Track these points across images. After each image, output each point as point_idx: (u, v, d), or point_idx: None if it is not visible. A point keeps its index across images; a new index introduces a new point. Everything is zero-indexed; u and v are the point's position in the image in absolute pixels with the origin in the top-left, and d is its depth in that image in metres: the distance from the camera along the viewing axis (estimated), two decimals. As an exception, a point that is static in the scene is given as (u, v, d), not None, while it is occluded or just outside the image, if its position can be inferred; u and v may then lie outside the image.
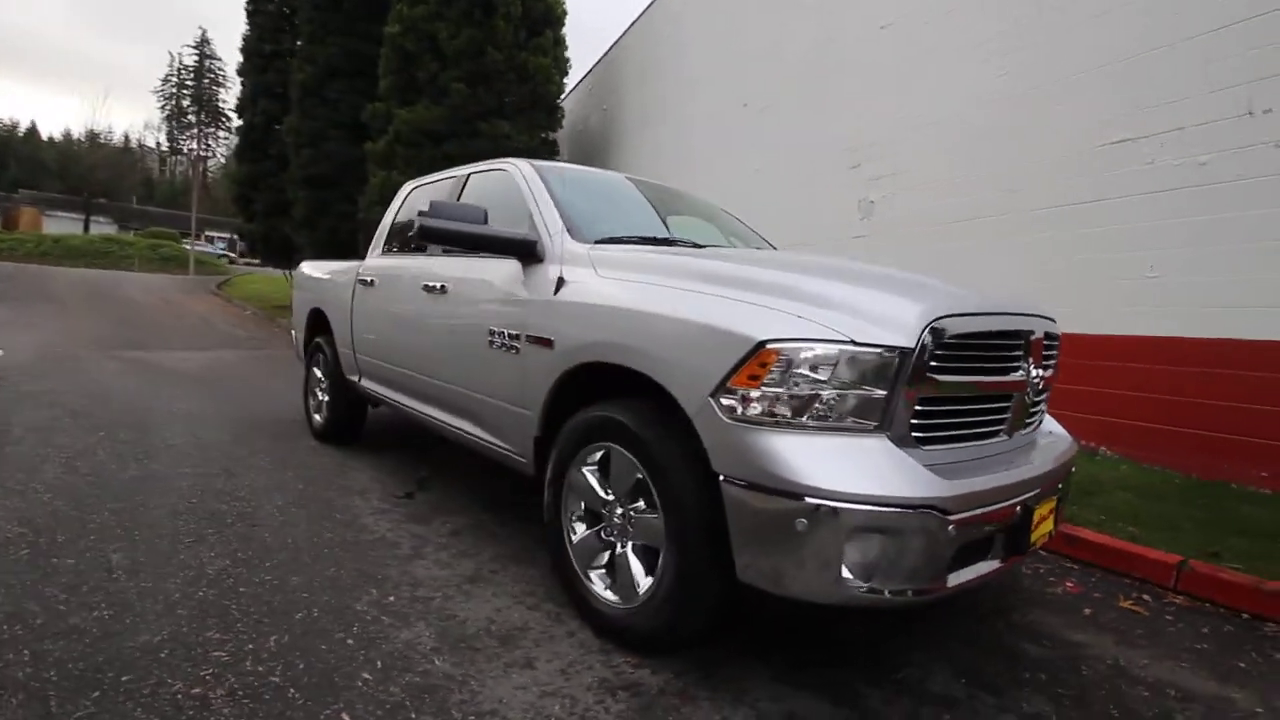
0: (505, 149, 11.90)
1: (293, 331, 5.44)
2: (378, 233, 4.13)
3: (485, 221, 2.66)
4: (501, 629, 2.18)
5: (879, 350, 1.72)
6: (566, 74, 12.53)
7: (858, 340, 1.72)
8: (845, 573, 1.65)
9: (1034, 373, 2.06)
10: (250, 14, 16.16)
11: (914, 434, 1.77)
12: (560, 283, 2.39)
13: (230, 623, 2.14)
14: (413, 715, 1.73)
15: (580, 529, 2.31)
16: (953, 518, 1.68)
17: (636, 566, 2.07)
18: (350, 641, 2.07)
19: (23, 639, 1.97)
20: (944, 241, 5.69)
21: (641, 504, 2.08)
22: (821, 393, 1.71)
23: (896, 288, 1.93)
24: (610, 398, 2.22)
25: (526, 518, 3.29)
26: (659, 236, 2.82)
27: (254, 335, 12.08)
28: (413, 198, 3.99)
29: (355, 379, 4.21)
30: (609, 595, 2.13)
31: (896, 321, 1.76)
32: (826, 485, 1.63)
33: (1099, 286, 4.49)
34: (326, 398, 4.66)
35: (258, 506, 3.26)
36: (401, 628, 2.17)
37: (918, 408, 1.77)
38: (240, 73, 16.38)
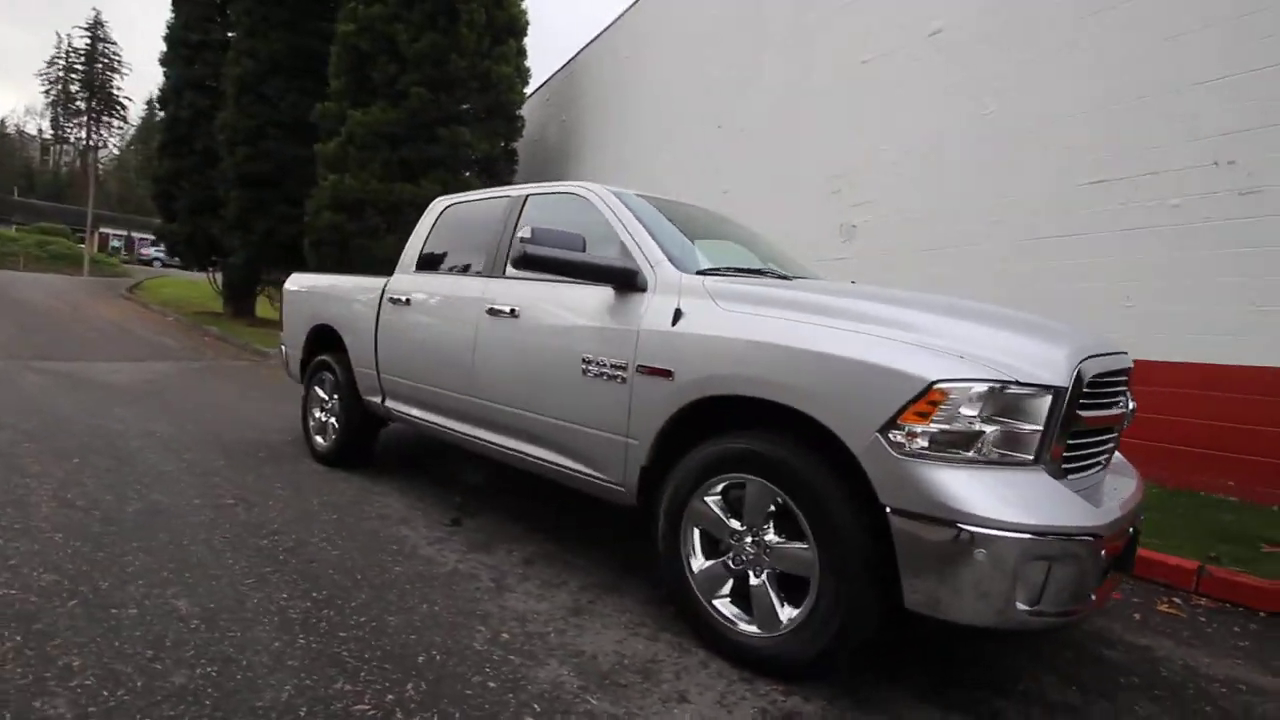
0: (464, 157, 11.67)
1: (282, 348, 5.12)
2: (409, 250, 3.97)
3: (584, 249, 2.64)
4: (635, 663, 2.17)
5: (1037, 389, 1.85)
6: (527, 83, 12.43)
7: (1020, 380, 1.85)
8: (1017, 598, 1.76)
9: (1130, 405, 2.27)
10: (176, 1, 15.04)
11: (1063, 466, 1.92)
12: (678, 314, 2.41)
13: (352, 672, 2.01)
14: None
15: (700, 559, 2.33)
16: (1104, 543, 1.84)
17: (774, 596, 2.12)
18: (492, 685, 2.00)
19: (134, 706, 1.79)
20: (929, 267, 6.06)
21: (773, 533, 2.14)
22: (986, 429, 1.83)
23: (1035, 330, 2.08)
24: (731, 430, 2.27)
25: (593, 542, 3.26)
26: (750, 267, 2.89)
27: (185, 345, 11.19)
28: (447, 216, 3.87)
29: (377, 400, 4.02)
30: (746, 625, 2.17)
31: (1049, 362, 1.91)
32: (1006, 518, 1.74)
33: (1080, 315, 4.93)
34: (333, 419, 4.43)
35: (301, 540, 3.07)
36: (535, 666, 2.11)
37: (1068, 442, 1.92)
38: (163, 62, 15.18)
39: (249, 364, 10.03)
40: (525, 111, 12.55)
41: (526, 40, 12.25)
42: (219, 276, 15.69)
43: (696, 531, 2.34)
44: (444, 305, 3.48)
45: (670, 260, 2.61)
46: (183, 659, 2.02)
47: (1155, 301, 4.55)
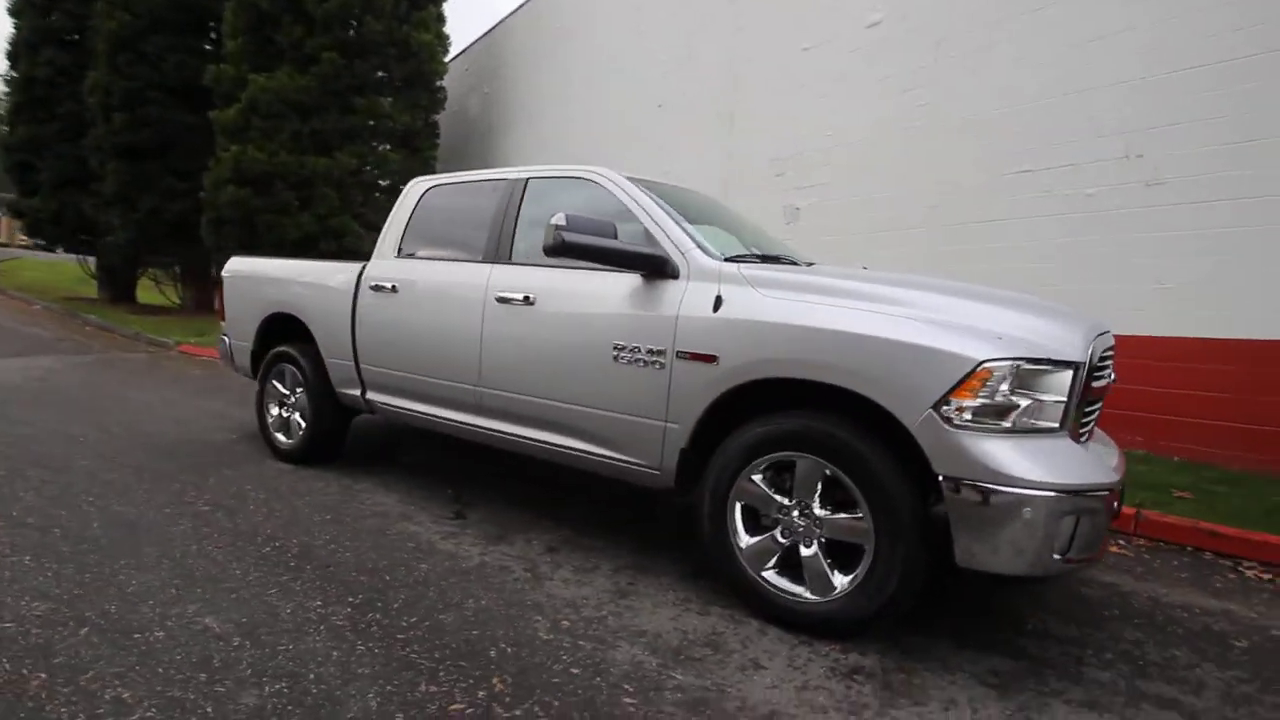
0: (385, 129, 11.02)
1: (224, 339, 4.72)
2: (386, 234, 3.77)
3: (615, 236, 2.64)
4: (699, 637, 2.26)
5: (1063, 365, 2.09)
6: (447, 51, 11.85)
7: (1051, 358, 2.07)
8: (1053, 548, 2.00)
9: (1112, 377, 2.59)
10: (22, -62, 13.04)
11: (1079, 433, 2.19)
12: (719, 301, 2.48)
13: (430, 673, 1.98)
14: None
15: (745, 535, 2.45)
16: (1114, 496, 2.12)
17: (826, 564, 2.27)
18: (576, 671, 2.03)
19: (213, 730, 1.68)
20: (871, 249, 6.43)
21: (819, 507, 2.29)
22: (1021, 401, 2.05)
23: (1050, 312, 2.32)
24: (769, 412, 2.39)
25: (605, 525, 3.30)
26: (770, 254, 3.00)
27: (63, 336, 9.99)
28: (430, 199, 3.70)
29: (355, 393, 3.84)
30: (802, 592, 2.31)
31: (1069, 341, 2.15)
32: (1047, 479, 1.97)
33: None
34: (297, 415, 4.17)
35: (305, 544, 2.91)
36: (607, 649, 2.16)
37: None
38: (12, 12, 13.14)
39: (148, 356, 9.12)
40: (444, 82, 11.99)
41: (445, 6, 11.67)
42: (92, 259, 13.99)
43: (739, 508, 2.45)
44: (441, 293, 3.36)
45: (699, 247, 2.67)
46: (243, 678, 1.90)
47: (1072, 281, 5.10)
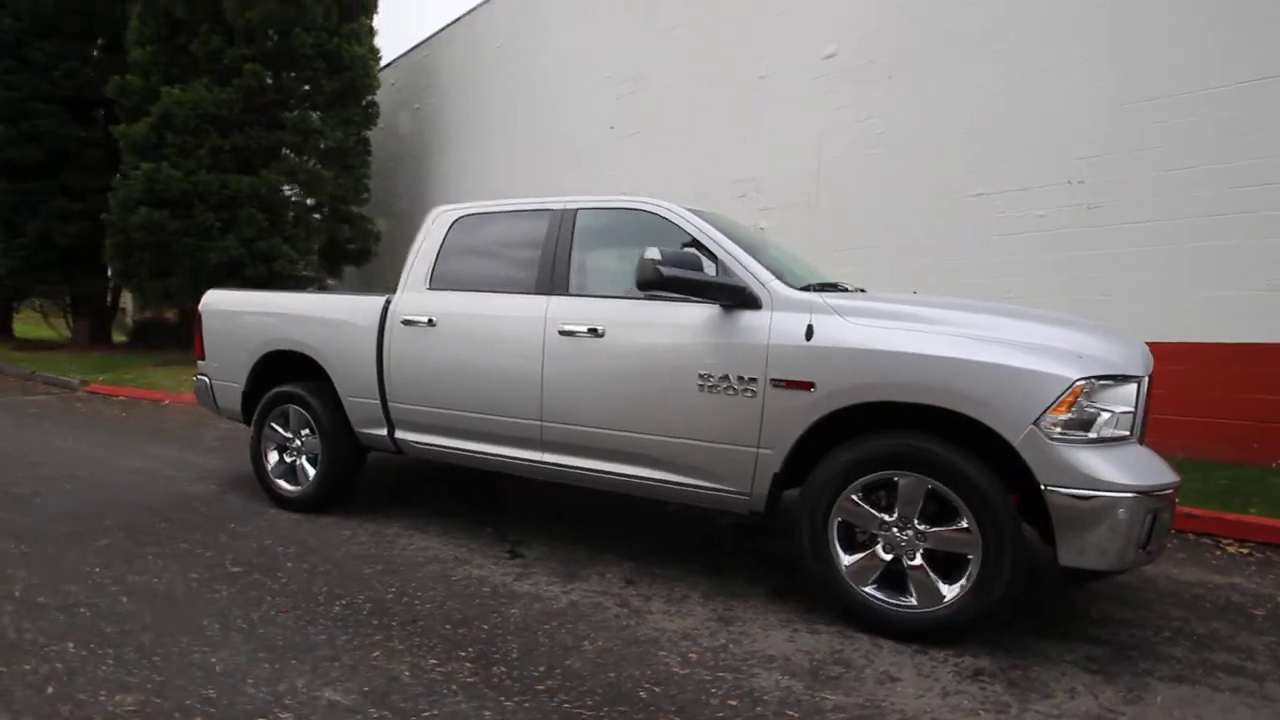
0: (315, 146, 10.46)
1: (203, 379, 4.35)
2: (413, 265, 3.62)
3: (700, 269, 2.71)
4: (824, 656, 2.35)
5: (1132, 378, 2.36)
6: (379, 66, 11.43)
7: (1125, 373, 2.34)
8: (1138, 542, 2.25)
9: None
10: None
11: (1143, 439, 2.47)
12: (810, 330, 2.59)
13: (593, 722, 1.95)
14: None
15: (844, 554, 2.57)
16: (1175, 494, 2.41)
17: (933, 575, 2.43)
18: (733, 703, 2.06)
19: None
20: (835, 266, 6.79)
21: (920, 521, 2.44)
22: (1104, 413, 2.30)
23: (1109, 333, 2.60)
24: (858, 432, 2.53)
25: (664, 553, 3.32)
26: (828, 282, 3.15)
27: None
28: (461, 228, 3.59)
29: (380, 433, 3.66)
30: (910, 603, 2.45)
31: (1132, 357, 2.43)
32: (1139, 482, 2.22)
33: (970, 303, 5.93)
34: (303, 459, 3.92)
35: (376, 600, 2.76)
36: (747, 677, 2.20)
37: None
38: None
39: (54, 398, 8.17)
40: (375, 97, 11.53)
41: (377, 19, 11.26)
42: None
43: (836, 527, 2.57)
44: (492, 326, 3.27)
45: (778, 278, 2.78)
46: (407, 750, 1.80)
47: (1026, 293, 5.64)
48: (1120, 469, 2.25)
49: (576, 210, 3.30)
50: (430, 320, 3.44)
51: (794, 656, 2.34)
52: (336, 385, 3.75)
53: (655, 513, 4.00)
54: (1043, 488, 2.26)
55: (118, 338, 13.90)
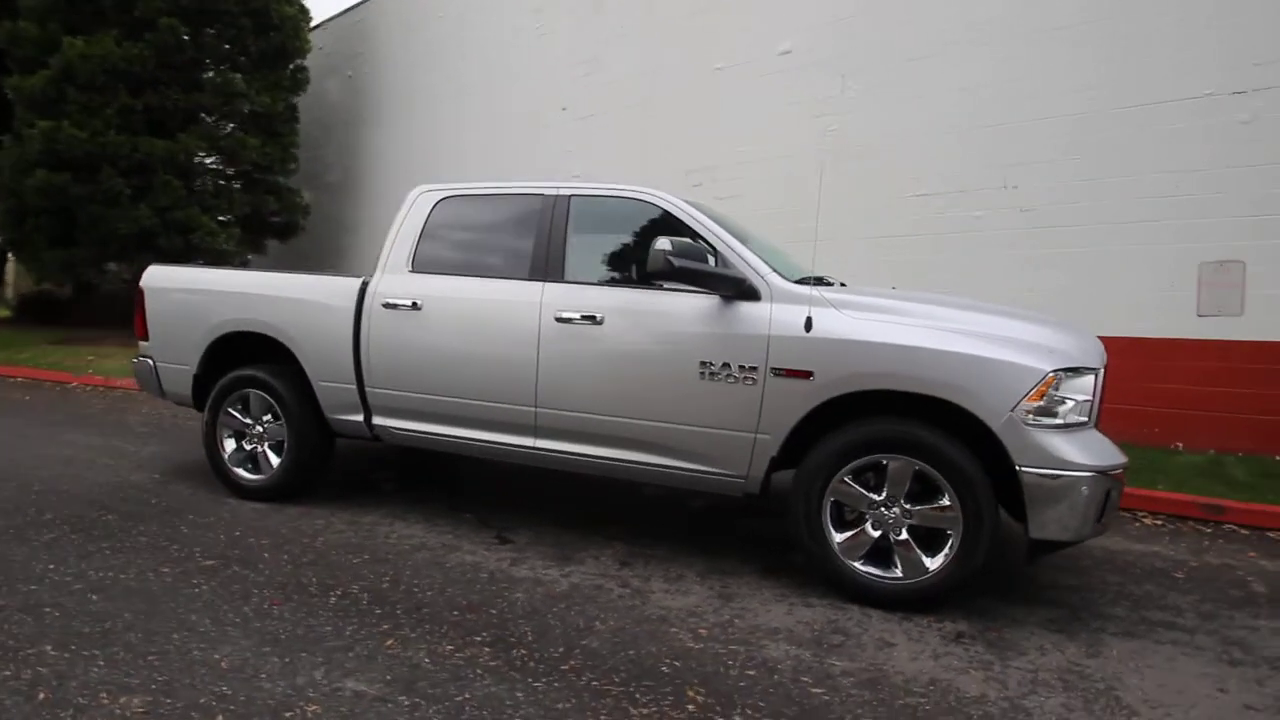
0: (239, 111, 9.75)
1: (147, 360, 4.05)
2: (393, 246, 3.50)
3: (706, 260, 2.79)
4: (825, 627, 2.50)
5: (1091, 370, 2.64)
6: (310, 27, 10.75)
7: (1085, 365, 2.61)
8: (1095, 517, 2.54)
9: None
10: None
11: (1098, 424, 2.76)
12: (809, 322, 2.73)
13: (628, 697, 2.01)
14: (879, 704, 2.04)
15: (836, 531, 2.74)
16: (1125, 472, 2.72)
17: (918, 549, 2.64)
18: (751, 672, 2.17)
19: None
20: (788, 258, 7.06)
21: (905, 500, 2.65)
22: (1070, 401, 2.56)
23: (1068, 327, 2.87)
24: (853, 419, 2.71)
25: (652, 535, 3.41)
26: (815, 276, 3.29)
27: None
28: (443, 210, 3.50)
29: (356, 419, 3.55)
30: (896, 575, 2.65)
31: (1092, 350, 2.71)
32: (1097, 463, 2.49)
33: (913, 296, 6.31)
34: (265, 446, 3.75)
35: (372, 589, 2.71)
36: (757, 649, 2.32)
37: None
38: None
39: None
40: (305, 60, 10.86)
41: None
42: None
43: (829, 507, 2.74)
44: (483, 312, 3.23)
45: (775, 271, 2.90)
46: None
47: (962, 286, 6.07)
48: (1081, 451, 2.51)
49: (570, 197, 3.29)
50: (415, 304, 3.35)
51: (795, 628, 2.49)
52: (307, 370, 3.59)
53: (632, 496, 4.09)
54: (1017, 468, 2.50)
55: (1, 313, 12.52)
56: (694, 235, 3.01)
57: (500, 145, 9.67)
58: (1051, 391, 2.51)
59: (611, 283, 3.15)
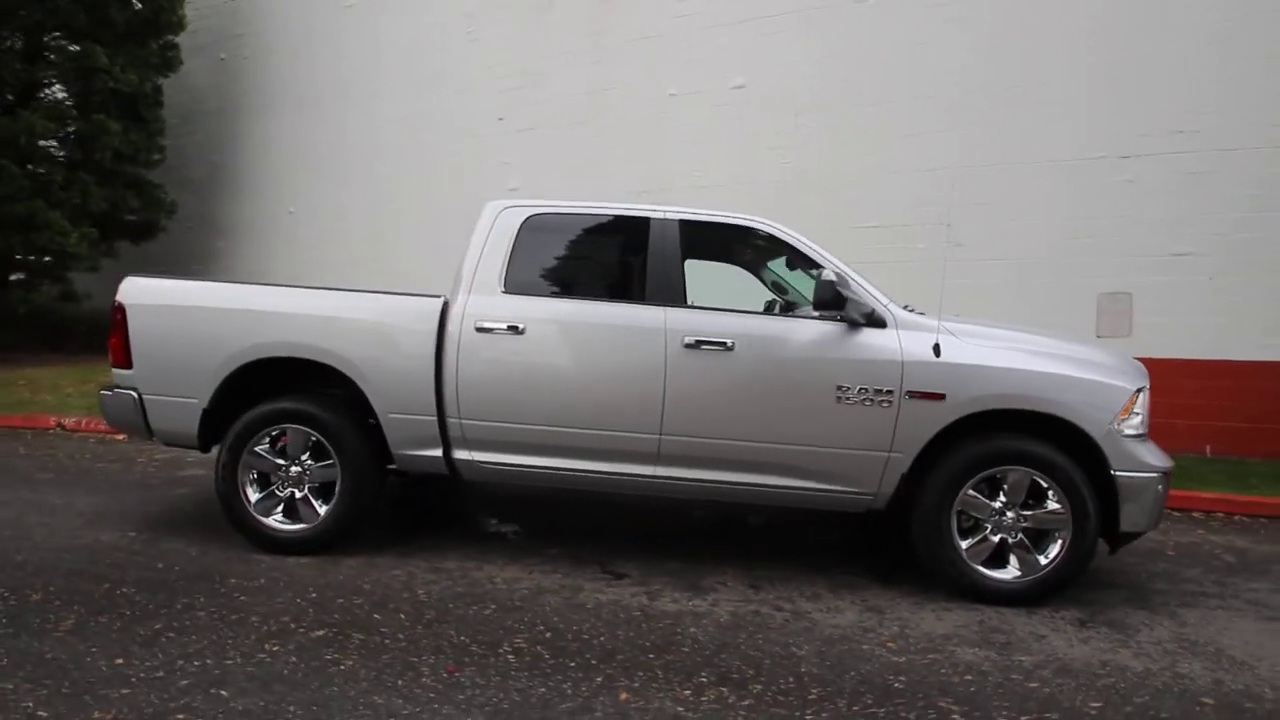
0: (98, 88, 8.16)
1: (130, 393, 3.32)
2: (484, 266, 3.20)
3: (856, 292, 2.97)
4: (981, 629, 2.73)
5: (1145, 388, 3.17)
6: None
7: (1146, 384, 3.13)
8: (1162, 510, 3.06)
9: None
10: None
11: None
12: (938, 348, 2.98)
13: (892, 717, 2.08)
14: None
15: (960, 538, 3.01)
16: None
17: (1032, 550, 2.98)
18: (969, 677, 2.33)
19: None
20: (735, 281, 7.42)
21: (1020, 507, 2.99)
22: (1140, 414, 3.06)
23: (1122, 354, 3.38)
24: (972, 435, 3.02)
25: (757, 557, 3.47)
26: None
27: None
28: (534, 229, 3.27)
29: (433, 454, 3.22)
30: (1015, 574, 2.96)
31: (1140, 371, 3.25)
32: (1163, 464, 3.00)
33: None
34: (304, 490, 3.26)
35: (545, 641, 2.51)
36: (945, 656, 2.49)
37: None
38: None
39: None
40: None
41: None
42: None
43: (955, 516, 3.01)
44: (598, 336, 3.09)
45: (890, 300, 3.14)
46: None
47: (908, 310, 6.82)
48: (1153, 455, 3.02)
49: (679, 221, 3.28)
50: (515, 327, 3.12)
51: (961, 632, 2.70)
52: (373, 401, 3.17)
53: (684, 518, 4.09)
54: (1113, 472, 2.94)
55: None
56: (815, 265, 3.16)
57: (422, 150, 9.09)
58: (1134, 406, 2.99)
59: (733, 308, 3.19)
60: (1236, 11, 5.79)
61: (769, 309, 3.64)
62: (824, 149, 7.14)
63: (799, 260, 3.22)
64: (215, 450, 3.32)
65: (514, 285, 3.24)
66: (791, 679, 2.29)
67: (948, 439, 3.00)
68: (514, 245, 3.29)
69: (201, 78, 10.78)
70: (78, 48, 7.68)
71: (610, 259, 3.29)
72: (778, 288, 3.88)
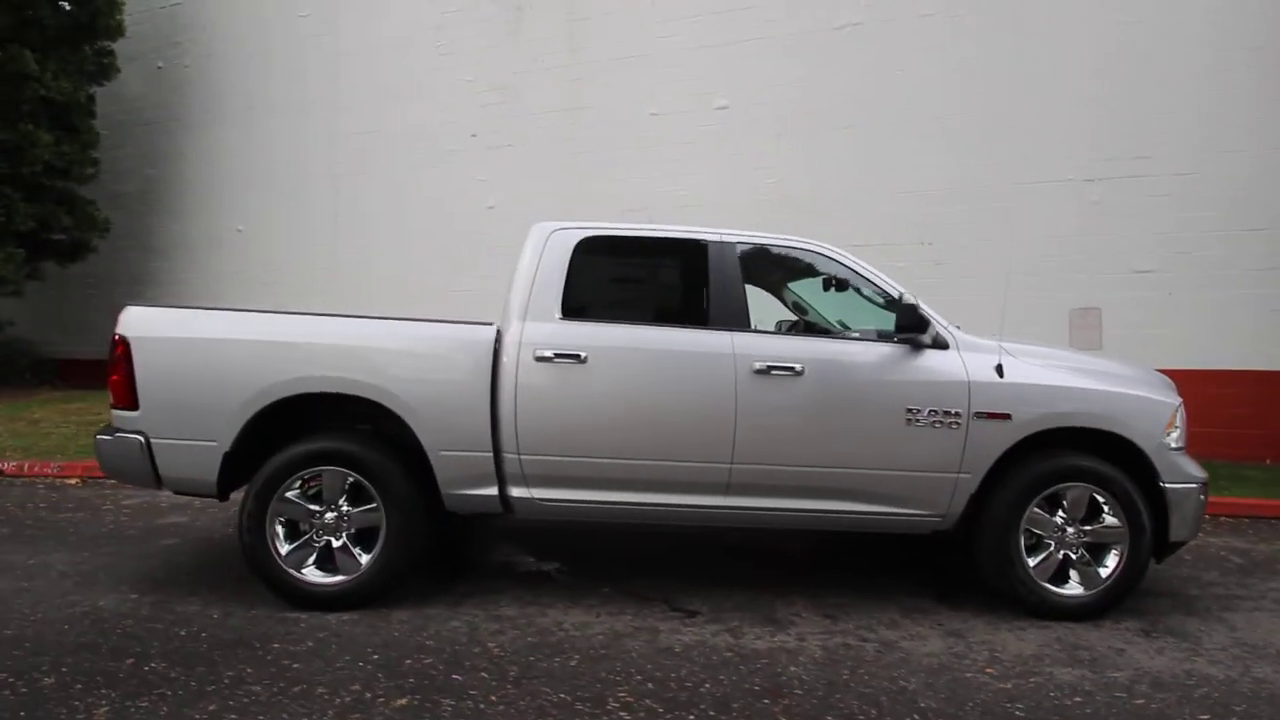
0: (26, 96, 7.42)
1: (136, 437, 2.97)
2: (539, 292, 3.04)
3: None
4: (1062, 647, 2.76)
5: (1180, 403, 3.33)
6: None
7: (1180, 400, 3.29)
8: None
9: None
10: None
11: (1183, 447, 3.47)
12: (1001, 369, 3.03)
13: (1030, 748, 2.05)
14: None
15: (1027, 555, 3.06)
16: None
17: (1093, 564, 3.06)
18: (1077, 699, 2.34)
19: None
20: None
21: (1080, 523, 3.07)
22: (1180, 427, 3.21)
23: (1147, 369, 3.54)
24: (1037, 453, 3.08)
25: (823, 584, 3.42)
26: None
27: None
28: (589, 252, 3.14)
29: (487, 493, 3.02)
30: (1077, 590, 3.03)
31: (1173, 387, 3.41)
32: (1202, 475, 3.15)
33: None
34: (343, 537, 2.99)
35: (649, 693, 2.37)
36: (1048, 677, 2.50)
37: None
38: None
39: None
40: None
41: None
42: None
43: (1023, 535, 3.05)
44: (667, 363, 2.98)
45: (947, 321, 3.18)
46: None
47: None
48: (1193, 466, 3.17)
49: (737, 244, 3.22)
50: (578, 355, 2.97)
51: (1048, 652, 2.73)
52: (422, 438, 2.94)
53: (716, 545, 4.00)
54: (1162, 484, 3.06)
55: None
56: (874, 287, 3.18)
57: (386, 165, 8.74)
58: (1176, 420, 3.13)
59: (796, 331, 3.15)
60: (1189, 49, 6.31)
61: (778, 329, 3.63)
62: (806, 169, 7.29)
63: (866, 285, 3.23)
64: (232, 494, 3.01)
65: (572, 311, 3.10)
66: (916, 716, 2.23)
67: (1008, 459, 3.06)
68: (569, 269, 3.15)
69: (135, 87, 10.01)
70: (2, 52, 6.94)
71: (670, 282, 3.20)
72: (798, 308, 3.87)
